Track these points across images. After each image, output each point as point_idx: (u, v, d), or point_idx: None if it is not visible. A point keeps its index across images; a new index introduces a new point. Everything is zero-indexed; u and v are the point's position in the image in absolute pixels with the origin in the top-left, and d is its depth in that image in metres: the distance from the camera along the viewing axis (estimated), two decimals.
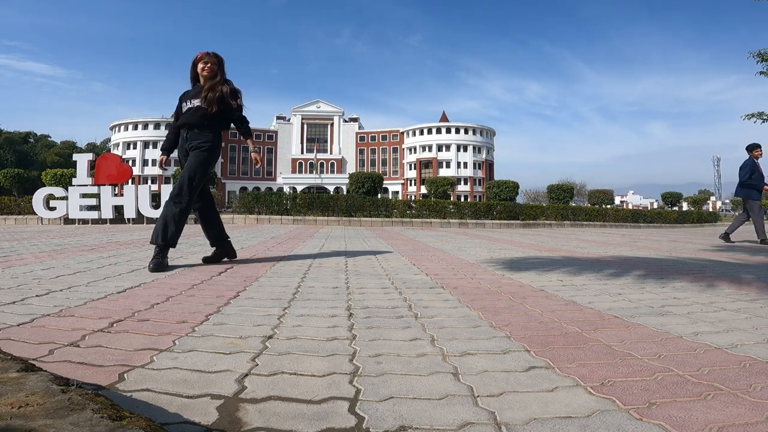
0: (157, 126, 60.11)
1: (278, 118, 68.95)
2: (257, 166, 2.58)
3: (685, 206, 37.39)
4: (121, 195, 11.45)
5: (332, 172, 64.77)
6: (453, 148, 63.38)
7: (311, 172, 62.93)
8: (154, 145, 59.74)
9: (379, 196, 17.50)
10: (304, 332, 1.56)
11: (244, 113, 3.30)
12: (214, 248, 3.46)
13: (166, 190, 11.45)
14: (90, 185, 11.17)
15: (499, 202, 16.60)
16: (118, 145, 60.58)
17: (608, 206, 23.84)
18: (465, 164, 63.52)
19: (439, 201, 15.30)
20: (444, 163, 63.48)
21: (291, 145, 67.14)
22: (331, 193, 17.86)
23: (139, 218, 11.19)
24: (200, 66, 3.13)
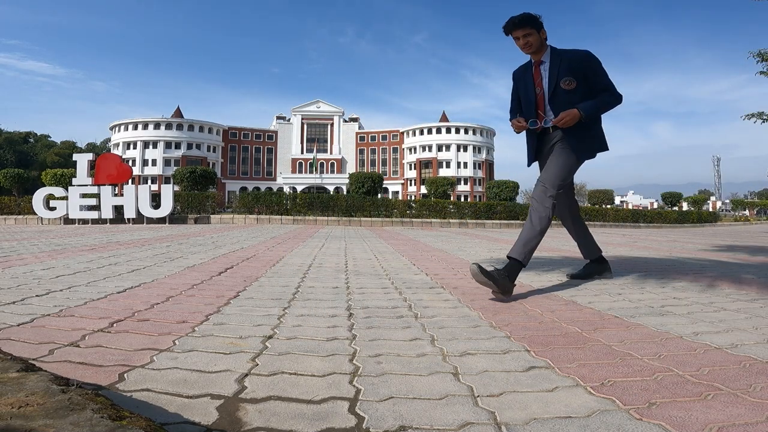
0: (157, 126, 60.02)
1: (278, 118, 68.88)
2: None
3: (685, 206, 37.40)
4: (121, 195, 11.46)
5: (332, 172, 64.73)
6: (453, 148, 63.37)
7: (311, 172, 62.87)
8: (154, 145, 59.67)
9: (379, 196, 17.51)
10: (304, 332, 1.56)
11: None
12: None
13: (167, 191, 11.46)
14: (90, 185, 11.19)
15: (499, 202, 16.62)
16: (118, 145, 60.50)
17: (608, 206, 23.86)
18: (465, 164, 63.51)
19: (439, 201, 15.31)
20: (444, 163, 63.47)
21: (291, 145, 67.08)
22: (331, 193, 17.85)
23: (139, 218, 11.19)
24: None
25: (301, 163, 65.77)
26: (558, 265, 3.79)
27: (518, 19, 2.34)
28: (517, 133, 2.57)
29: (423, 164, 64.33)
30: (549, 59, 2.43)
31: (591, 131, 2.47)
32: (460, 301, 2.14)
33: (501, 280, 2.12)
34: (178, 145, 59.94)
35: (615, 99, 2.42)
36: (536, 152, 2.61)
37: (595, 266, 2.91)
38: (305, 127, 68.19)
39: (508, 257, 2.27)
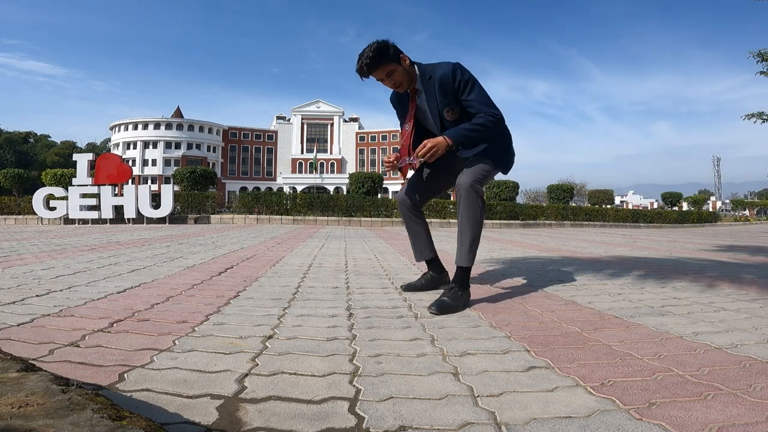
0: (157, 126, 59.99)
1: (278, 118, 68.87)
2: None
3: (685, 206, 37.36)
4: (121, 195, 11.46)
5: (332, 172, 64.72)
6: None
7: (311, 172, 62.86)
8: (154, 145, 59.66)
9: (379, 196, 17.48)
10: (304, 332, 1.56)
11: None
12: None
13: (166, 190, 11.46)
14: (90, 185, 11.18)
15: (499, 202, 16.59)
16: (118, 145, 60.50)
17: (608, 206, 23.84)
18: None
19: (439, 201, 15.29)
20: None
21: (291, 145, 67.06)
22: (331, 193, 17.83)
23: (139, 218, 11.19)
24: None
25: (301, 163, 65.75)
26: (558, 264, 3.79)
27: (370, 59, 1.87)
28: (388, 170, 2.20)
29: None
30: (423, 86, 2.01)
31: (499, 146, 2.09)
32: None
33: (461, 303, 1.94)
34: (178, 145, 59.91)
35: (491, 123, 1.95)
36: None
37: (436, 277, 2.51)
38: (305, 127, 68.15)
39: (458, 265, 2.01)
